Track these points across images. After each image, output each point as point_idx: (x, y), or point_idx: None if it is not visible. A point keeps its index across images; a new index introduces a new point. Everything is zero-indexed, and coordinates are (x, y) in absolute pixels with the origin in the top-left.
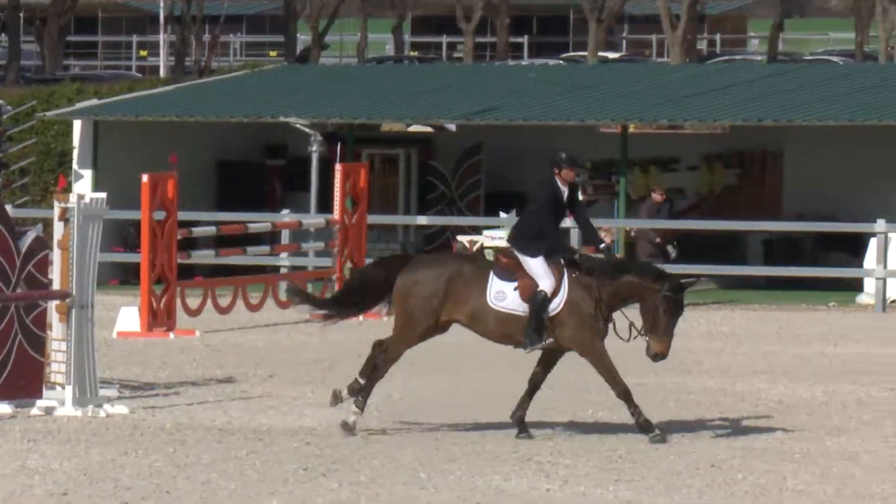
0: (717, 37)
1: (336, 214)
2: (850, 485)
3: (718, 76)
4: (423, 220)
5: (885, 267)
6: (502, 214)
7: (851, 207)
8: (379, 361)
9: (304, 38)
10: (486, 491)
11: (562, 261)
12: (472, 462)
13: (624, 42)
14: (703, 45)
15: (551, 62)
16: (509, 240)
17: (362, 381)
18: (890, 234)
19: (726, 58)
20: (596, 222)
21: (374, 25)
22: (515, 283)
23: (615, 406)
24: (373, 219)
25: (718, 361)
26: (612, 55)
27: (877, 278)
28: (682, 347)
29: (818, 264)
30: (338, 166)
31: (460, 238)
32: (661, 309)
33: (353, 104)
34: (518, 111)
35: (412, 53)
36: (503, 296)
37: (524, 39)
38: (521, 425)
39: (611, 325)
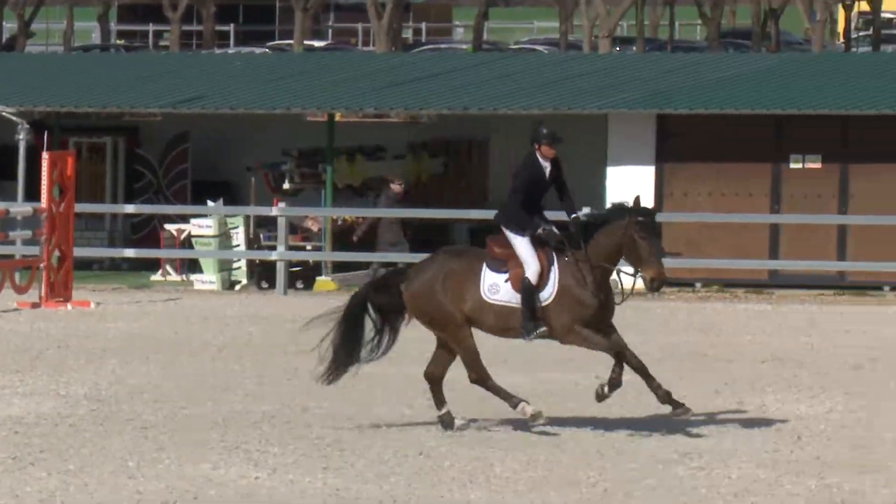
0: (423, 25)
1: (43, 203)
2: (556, 471)
3: (424, 65)
4: (130, 208)
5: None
6: (209, 203)
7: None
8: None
9: (9, 27)
10: (195, 479)
11: (552, 245)
12: (181, 451)
13: (330, 31)
14: (408, 34)
15: (258, 51)
16: (497, 218)
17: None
18: None
19: (432, 46)
20: (303, 211)
21: (80, 13)
22: (507, 275)
23: (322, 393)
24: (80, 207)
25: (423, 349)
26: (318, 44)
27: None
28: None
29: None
30: (45, 155)
31: (167, 227)
32: (638, 237)
33: (60, 93)
34: (225, 99)
35: (119, 42)
36: (496, 288)
37: (230, 28)
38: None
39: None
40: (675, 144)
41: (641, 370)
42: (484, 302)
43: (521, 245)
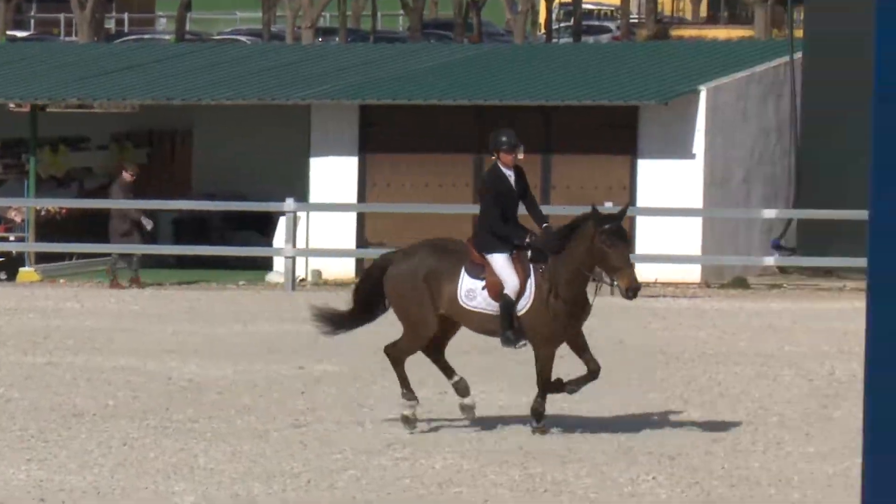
0: (126, 16)
1: None
2: (260, 462)
3: (127, 55)
4: None
5: (294, 246)
6: None
7: (261, 187)
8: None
9: None
10: None
11: (528, 256)
12: None
13: (32, 21)
14: (111, 25)
15: None
16: (472, 239)
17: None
18: (299, 214)
19: (135, 37)
20: (6, 202)
21: None
22: (484, 282)
23: (25, 384)
24: None
25: (129, 340)
26: (20, 34)
27: (286, 257)
28: (93, 327)
29: (228, 243)
30: None
31: None
32: (606, 245)
33: None
34: None
35: None
36: (473, 294)
37: None
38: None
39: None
40: (378, 135)
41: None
42: (460, 307)
43: (499, 263)
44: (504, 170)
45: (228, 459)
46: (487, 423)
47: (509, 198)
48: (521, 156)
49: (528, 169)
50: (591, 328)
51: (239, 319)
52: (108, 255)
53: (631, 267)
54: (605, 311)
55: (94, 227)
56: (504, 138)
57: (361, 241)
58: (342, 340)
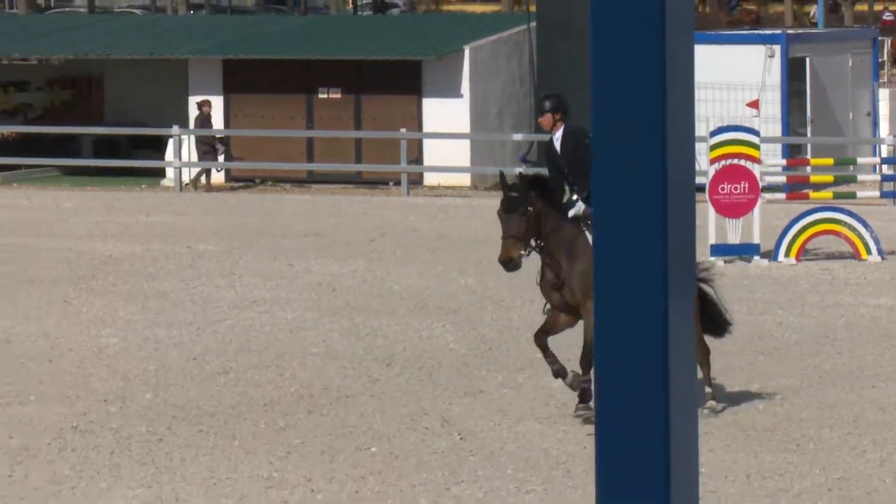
0: None
1: None
2: (163, 315)
3: (55, 22)
4: None
5: (180, 159)
6: None
7: (154, 116)
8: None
9: None
10: None
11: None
12: None
13: None
14: (42, 1)
15: None
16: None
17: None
18: (182, 137)
19: (58, 10)
20: None
21: None
22: None
23: None
24: None
25: (64, 228)
26: None
27: (174, 168)
28: (39, 218)
29: (133, 158)
30: None
31: None
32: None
33: None
34: None
35: None
36: None
37: None
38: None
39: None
40: (237, 81)
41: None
42: None
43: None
44: (551, 134)
45: (140, 312)
46: (323, 286)
47: (551, 161)
48: (542, 119)
49: (344, 105)
50: (391, 222)
51: (142, 212)
52: (46, 166)
53: (503, 240)
54: (405, 210)
55: (34, 146)
56: (541, 102)
57: (229, 157)
58: (219, 226)
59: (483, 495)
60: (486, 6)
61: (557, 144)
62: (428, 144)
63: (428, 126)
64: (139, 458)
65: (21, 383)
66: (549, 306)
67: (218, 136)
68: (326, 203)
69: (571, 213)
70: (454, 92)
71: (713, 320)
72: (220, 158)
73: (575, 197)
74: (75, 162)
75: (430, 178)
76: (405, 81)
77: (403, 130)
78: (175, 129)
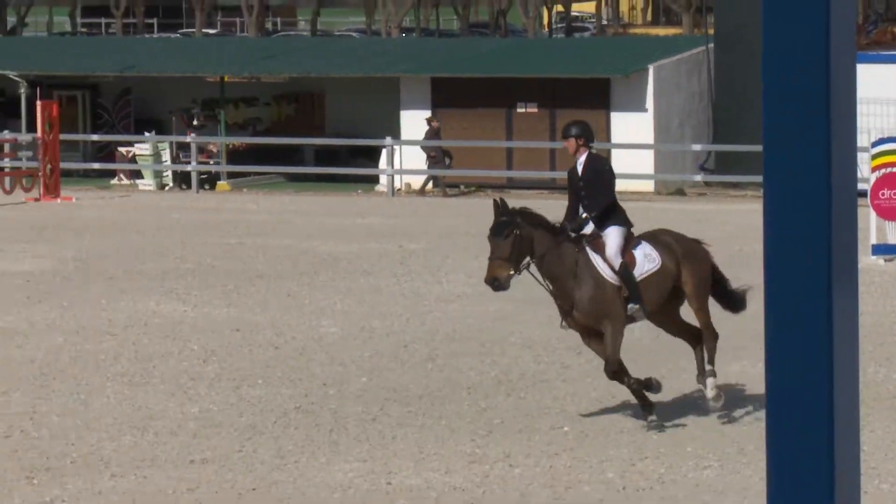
0: (278, 19)
1: (39, 133)
2: (375, 307)
3: (280, 44)
4: (95, 137)
5: (392, 167)
6: (146, 133)
7: (370, 130)
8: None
9: (11, 20)
10: (145, 312)
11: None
12: (135, 294)
13: (219, 22)
14: (269, 25)
15: (173, 35)
16: None
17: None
18: (394, 147)
19: (284, 33)
20: (208, 140)
21: (56, 10)
22: None
23: (221, 254)
24: (63, 136)
25: (288, 229)
26: (211, 31)
27: (387, 175)
28: (265, 220)
29: (350, 166)
30: (38, 103)
31: (120, 149)
32: None
33: (47, 62)
34: (153, 67)
35: (83, 30)
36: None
37: (154, 21)
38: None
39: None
40: (444, 97)
41: None
42: None
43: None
44: (575, 158)
45: (357, 304)
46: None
47: (571, 185)
48: (567, 143)
49: (540, 120)
50: None
51: (358, 214)
52: (273, 173)
53: (489, 261)
54: None
55: (262, 155)
56: (565, 126)
57: (440, 165)
58: (427, 228)
59: (665, 470)
60: (669, 29)
61: (580, 168)
62: (615, 154)
63: (616, 137)
64: (355, 435)
65: (249, 368)
66: (565, 323)
67: (443, 147)
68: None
69: (584, 231)
70: (639, 107)
71: (732, 298)
72: (443, 168)
73: (585, 215)
74: (298, 169)
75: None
76: (595, 97)
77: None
78: (388, 140)
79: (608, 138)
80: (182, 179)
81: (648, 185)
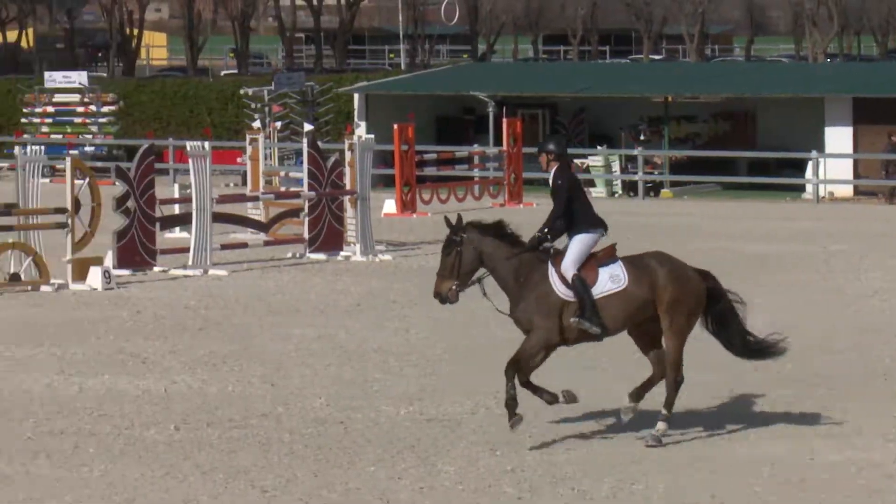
0: (716, 47)
1: (504, 147)
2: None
3: (719, 68)
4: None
5: (817, 178)
6: (598, 147)
7: (797, 143)
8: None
9: (481, 47)
10: None
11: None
12: None
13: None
14: (708, 52)
15: (621, 60)
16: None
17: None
18: (819, 159)
19: (723, 58)
20: (652, 153)
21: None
22: None
23: None
24: (525, 149)
25: (719, 230)
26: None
27: (813, 184)
28: (698, 224)
29: (779, 176)
30: (504, 120)
31: (575, 161)
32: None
33: (511, 84)
34: (606, 89)
35: (543, 56)
36: None
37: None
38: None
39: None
40: (864, 115)
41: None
42: None
43: None
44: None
45: (783, 298)
46: None
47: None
48: (540, 158)
49: None
50: None
51: (786, 219)
52: (709, 182)
53: (436, 276)
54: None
55: (700, 166)
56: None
57: (856, 175)
58: (848, 230)
59: None
60: None
61: (550, 181)
62: None
63: None
64: (782, 414)
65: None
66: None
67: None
68: None
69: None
70: None
71: (743, 343)
72: None
73: (543, 228)
74: (733, 179)
75: None
76: None
77: None
78: (813, 154)
79: None
80: (629, 188)
81: None
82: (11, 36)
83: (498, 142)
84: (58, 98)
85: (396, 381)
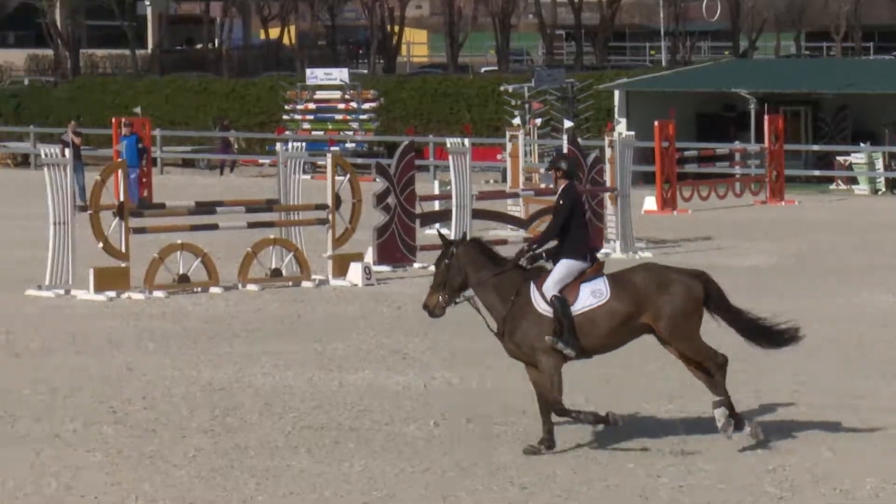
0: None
1: (766, 143)
2: None
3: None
4: (815, 147)
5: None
6: (861, 144)
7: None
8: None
9: (743, 44)
10: None
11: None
12: None
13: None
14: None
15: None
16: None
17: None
18: None
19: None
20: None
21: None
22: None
23: None
24: (787, 146)
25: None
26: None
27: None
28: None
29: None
30: (766, 117)
31: (838, 158)
32: None
33: (773, 81)
34: (870, 85)
35: (805, 52)
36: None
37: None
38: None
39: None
40: None
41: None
42: None
43: None
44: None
45: None
46: None
47: None
48: (552, 175)
49: None
50: None
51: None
52: None
53: (429, 289)
54: None
55: None
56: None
57: None
58: None
59: None
60: None
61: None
62: None
63: None
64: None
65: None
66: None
67: None
68: None
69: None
70: None
71: (760, 331)
72: None
73: (534, 245)
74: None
75: None
76: None
77: None
78: None
79: None
80: (893, 185)
81: None
82: (274, 33)
83: (759, 139)
84: (319, 95)
85: (657, 379)
